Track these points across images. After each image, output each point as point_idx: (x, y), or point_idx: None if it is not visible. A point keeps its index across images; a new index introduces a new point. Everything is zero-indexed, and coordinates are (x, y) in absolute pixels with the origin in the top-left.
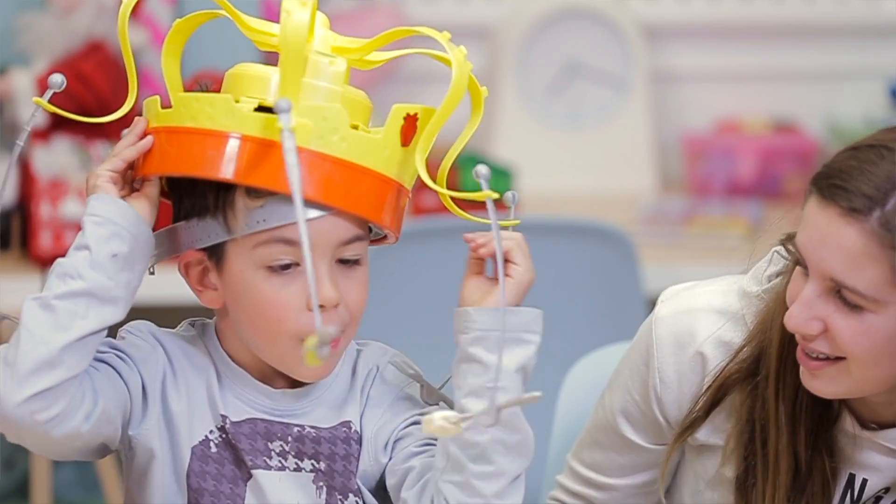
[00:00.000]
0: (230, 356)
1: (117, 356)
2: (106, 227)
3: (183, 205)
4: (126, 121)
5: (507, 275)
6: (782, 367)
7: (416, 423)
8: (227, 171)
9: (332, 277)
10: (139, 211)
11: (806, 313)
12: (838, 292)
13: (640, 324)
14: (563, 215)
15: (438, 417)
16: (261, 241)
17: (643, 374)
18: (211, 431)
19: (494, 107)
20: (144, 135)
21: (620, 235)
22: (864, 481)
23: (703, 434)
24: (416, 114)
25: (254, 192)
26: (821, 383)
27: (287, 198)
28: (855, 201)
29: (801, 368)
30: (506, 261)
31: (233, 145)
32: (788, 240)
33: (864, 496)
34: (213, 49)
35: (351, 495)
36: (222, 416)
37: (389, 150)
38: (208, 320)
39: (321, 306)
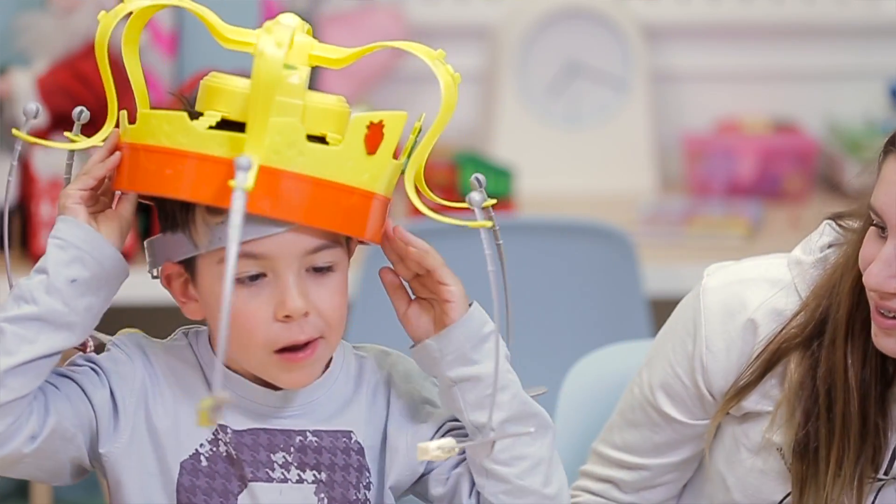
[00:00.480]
0: (225, 364)
1: (92, 369)
2: (68, 251)
3: (160, 215)
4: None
5: (445, 300)
6: (850, 331)
7: (451, 429)
8: (182, 190)
9: (299, 287)
10: (107, 233)
11: (886, 271)
12: None
13: (641, 324)
14: (563, 215)
15: (433, 447)
16: (224, 257)
17: (687, 347)
18: (201, 445)
19: (494, 107)
20: (116, 149)
21: (620, 235)
22: None
23: (750, 402)
24: (380, 121)
25: (213, 210)
26: (894, 342)
27: (247, 214)
28: None
29: (874, 328)
30: (439, 283)
31: (188, 165)
32: (839, 216)
33: None
34: (214, 49)
35: None
36: (221, 426)
37: (353, 161)
38: (203, 327)
39: (288, 316)
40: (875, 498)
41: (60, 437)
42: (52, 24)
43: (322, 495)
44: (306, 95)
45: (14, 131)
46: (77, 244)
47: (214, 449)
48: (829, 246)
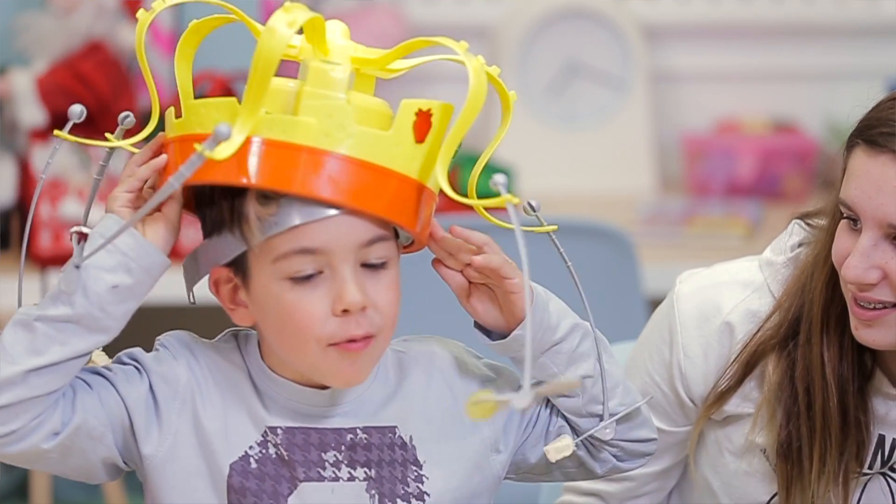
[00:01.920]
0: (272, 368)
1: (135, 368)
2: (114, 256)
3: (206, 223)
4: (133, 133)
5: (510, 291)
6: (825, 327)
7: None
8: (233, 174)
9: (356, 280)
10: (154, 237)
11: (864, 262)
12: (895, 238)
13: (640, 324)
14: (562, 215)
15: (553, 450)
16: (280, 254)
17: (664, 355)
18: (251, 447)
19: (494, 106)
20: (161, 149)
21: (620, 235)
22: (895, 441)
23: (731, 405)
24: (429, 109)
25: (264, 199)
26: (875, 332)
27: (298, 200)
28: None
29: (853, 321)
30: (504, 278)
31: (241, 148)
32: (807, 215)
33: (895, 457)
34: (213, 49)
35: (398, 500)
36: (271, 427)
37: (402, 147)
38: (252, 331)
39: (346, 311)
40: (861, 493)
41: (87, 436)
42: (51, 24)
43: (373, 492)
44: (350, 92)
45: (56, 132)
46: (124, 250)
47: (264, 451)
48: (799, 245)
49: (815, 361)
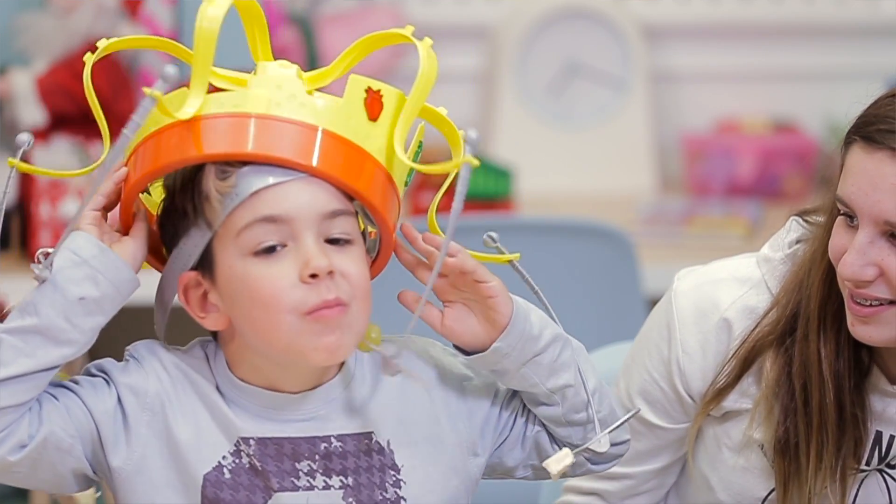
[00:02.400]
0: (240, 378)
1: (104, 379)
2: (81, 268)
3: (167, 236)
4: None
5: (489, 296)
6: (822, 323)
7: (508, 395)
8: (189, 150)
9: (321, 248)
10: (122, 253)
11: (861, 259)
12: (892, 235)
13: (640, 324)
14: (562, 215)
15: (555, 467)
16: (243, 225)
17: (663, 353)
18: (223, 457)
19: (494, 107)
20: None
21: (620, 235)
22: (892, 438)
23: (729, 401)
24: (378, 90)
25: (222, 172)
26: (872, 329)
27: (256, 167)
28: None
29: (850, 318)
30: (479, 282)
31: (191, 126)
32: (805, 213)
33: (892, 453)
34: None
35: None
36: (243, 438)
37: (355, 119)
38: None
39: (314, 276)
40: (858, 489)
41: (55, 448)
42: (51, 24)
43: (350, 499)
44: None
45: (10, 161)
46: (92, 263)
47: (237, 461)
48: (798, 242)
49: (811, 358)
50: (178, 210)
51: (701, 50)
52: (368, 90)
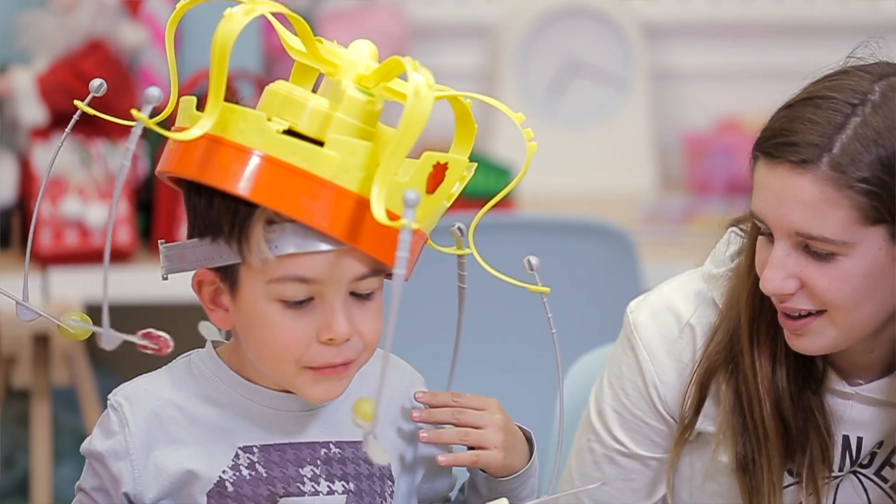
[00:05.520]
0: (247, 378)
1: (101, 488)
2: None
3: (198, 221)
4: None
5: (481, 446)
6: (755, 337)
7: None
8: (245, 187)
9: (345, 312)
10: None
11: (780, 273)
12: (806, 246)
13: None
14: (563, 214)
15: None
16: (275, 278)
17: (640, 388)
18: (223, 472)
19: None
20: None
21: (621, 234)
22: (860, 440)
23: (699, 424)
24: (446, 163)
25: (270, 223)
26: (807, 340)
27: (302, 229)
28: (803, 152)
29: (785, 332)
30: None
31: (256, 163)
32: (738, 221)
33: (862, 454)
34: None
35: None
36: (243, 447)
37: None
38: (201, 349)
39: (331, 340)
40: (835, 495)
41: None
42: (52, 23)
43: None
44: (377, 127)
45: (134, 112)
46: None
47: (237, 473)
48: (739, 254)
49: (748, 373)
50: (213, 211)
51: (702, 48)
52: (436, 165)
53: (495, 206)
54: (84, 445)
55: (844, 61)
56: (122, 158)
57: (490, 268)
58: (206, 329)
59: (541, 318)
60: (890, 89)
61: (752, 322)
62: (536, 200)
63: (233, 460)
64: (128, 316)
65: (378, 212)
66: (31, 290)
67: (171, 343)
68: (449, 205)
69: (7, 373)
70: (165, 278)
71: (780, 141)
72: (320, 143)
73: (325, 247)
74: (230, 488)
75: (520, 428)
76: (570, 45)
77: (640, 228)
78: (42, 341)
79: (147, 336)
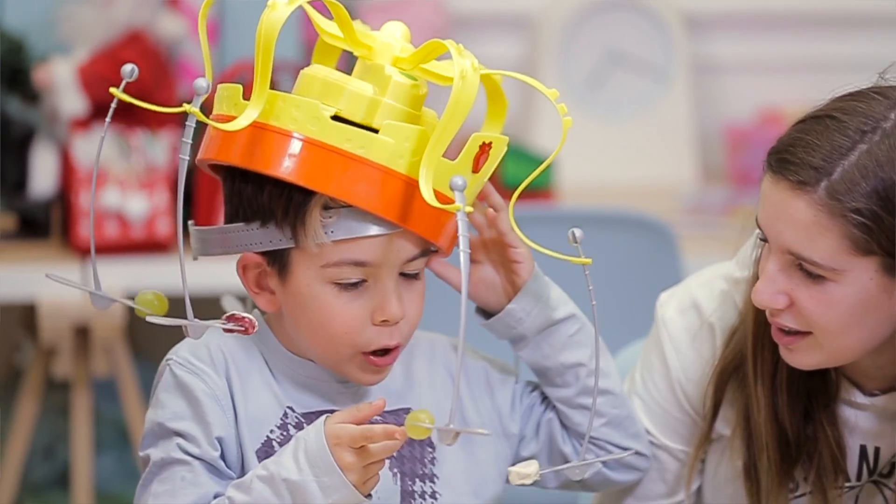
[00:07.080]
0: (294, 352)
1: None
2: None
3: (244, 205)
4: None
5: (514, 261)
6: (758, 346)
7: (526, 389)
8: (302, 174)
9: (398, 294)
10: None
11: (771, 287)
12: (800, 265)
13: None
14: (603, 206)
15: (516, 474)
16: (330, 262)
17: (667, 380)
18: (271, 431)
19: (535, 97)
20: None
21: (661, 226)
22: (877, 449)
23: (718, 428)
24: (490, 142)
25: (326, 209)
26: (798, 356)
27: (358, 213)
28: (802, 174)
29: (780, 347)
30: (508, 246)
31: (312, 150)
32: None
33: (881, 464)
34: (249, 39)
35: (417, 480)
36: (289, 408)
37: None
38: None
39: (385, 321)
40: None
41: None
42: (92, 14)
43: (395, 470)
44: (423, 112)
45: (186, 106)
46: None
47: (285, 433)
48: (756, 262)
49: (749, 379)
50: (262, 195)
51: (743, 39)
52: (482, 145)
53: (536, 196)
54: (154, 415)
55: (875, 81)
56: (180, 153)
57: (532, 242)
58: (229, 302)
59: (580, 308)
60: None
61: (756, 329)
62: (577, 192)
63: (281, 419)
64: (173, 307)
65: (427, 193)
66: (72, 280)
67: (257, 323)
68: (486, 179)
69: (48, 364)
70: (196, 259)
71: (783, 157)
72: (367, 128)
73: (379, 230)
74: (277, 448)
75: None
76: (611, 36)
77: (680, 221)
78: (82, 333)
79: (231, 319)
